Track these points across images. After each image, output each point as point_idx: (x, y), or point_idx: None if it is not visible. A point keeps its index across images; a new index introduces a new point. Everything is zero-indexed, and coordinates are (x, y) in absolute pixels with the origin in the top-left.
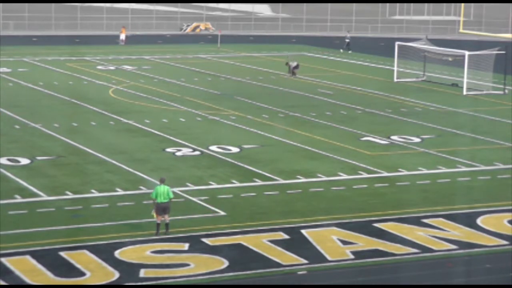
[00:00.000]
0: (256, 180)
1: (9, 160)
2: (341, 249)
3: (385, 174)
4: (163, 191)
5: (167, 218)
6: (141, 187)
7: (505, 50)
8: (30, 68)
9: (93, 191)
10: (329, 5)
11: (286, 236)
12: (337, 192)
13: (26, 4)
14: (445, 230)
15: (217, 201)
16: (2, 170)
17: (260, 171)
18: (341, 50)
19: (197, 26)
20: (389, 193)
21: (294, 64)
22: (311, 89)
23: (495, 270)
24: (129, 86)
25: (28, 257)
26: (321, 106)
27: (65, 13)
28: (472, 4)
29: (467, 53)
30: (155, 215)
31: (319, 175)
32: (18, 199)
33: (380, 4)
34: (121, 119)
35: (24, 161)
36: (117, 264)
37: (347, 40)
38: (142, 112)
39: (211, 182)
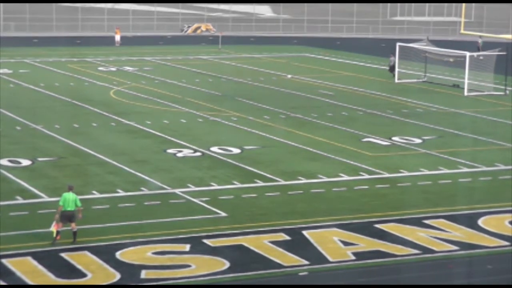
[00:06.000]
0: (257, 181)
1: (10, 161)
2: (342, 250)
3: (386, 175)
4: (71, 199)
5: (74, 226)
6: (142, 188)
7: (506, 51)
8: (31, 69)
9: (94, 192)
10: (330, 5)
11: (287, 237)
12: (338, 193)
13: (27, 5)
14: (446, 231)
15: (218, 202)
16: (3, 171)
17: (261, 172)
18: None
19: (198, 27)
20: (390, 194)
21: (393, 63)
22: (312, 90)
23: (496, 271)
24: (130, 87)
25: (29, 258)
26: (322, 107)
27: (66, 14)
28: (473, 5)
29: (468, 54)
30: (54, 228)
31: (320, 176)
32: (19, 200)
33: (381, 5)
34: (122, 120)
35: (25, 162)
36: (118, 265)
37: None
38: (143, 113)
39: (212, 183)
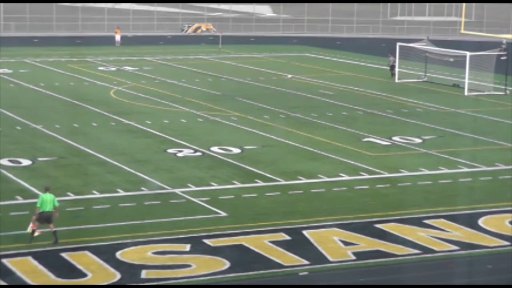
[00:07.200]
0: (257, 181)
1: (10, 161)
2: (343, 250)
3: (387, 175)
4: (48, 200)
5: (52, 227)
6: (143, 188)
7: (506, 51)
8: (31, 69)
9: (94, 192)
10: (330, 5)
11: (287, 237)
12: (339, 193)
13: (27, 5)
14: (446, 231)
15: (219, 202)
16: (3, 171)
17: (261, 172)
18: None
19: (198, 27)
20: (390, 194)
21: (392, 63)
22: (312, 90)
23: (496, 270)
24: (130, 87)
25: (29, 258)
26: (322, 107)
27: (66, 14)
28: (473, 5)
29: (468, 53)
30: (30, 226)
31: (320, 176)
32: (19, 200)
33: (381, 5)
34: (122, 120)
35: (26, 162)
36: (118, 265)
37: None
38: (143, 113)
39: (212, 183)
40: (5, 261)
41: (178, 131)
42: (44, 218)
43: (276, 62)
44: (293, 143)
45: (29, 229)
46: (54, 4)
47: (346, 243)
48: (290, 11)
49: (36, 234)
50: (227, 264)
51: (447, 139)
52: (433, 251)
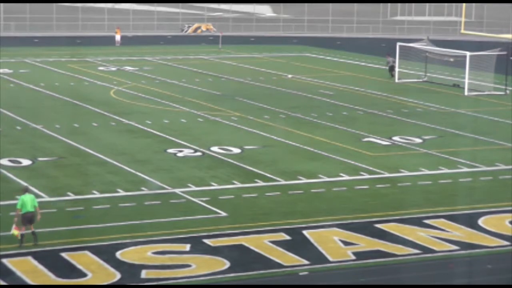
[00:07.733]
0: (258, 181)
1: (10, 161)
2: (343, 250)
3: (387, 174)
4: (29, 200)
5: (32, 228)
6: (143, 188)
7: (506, 51)
8: (31, 69)
9: (94, 192)
10: (330, 5)
11: (287, 237)
12: (339, 192)
13: (27, 5)
14: (446, 231)
15: (219, 202)
16: (3, 171)
17: (262, 172)
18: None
19: (198, 27)
20: (390, 193)
21: (391, 64)
22: (312, 90)
23: (496, 270)
24: (130, 87)
25: (29, 258)
26: (322, 106)
27: (67, 14)
28: (474, 5)
29: (468, 53)
30: (15, 231)
31: (321, 176)
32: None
33: (381, 5)
34: (122, 120)
35: (26, 162)
36: (118, 265)
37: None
38: (143, 113)
39: (212, 183)
40: (5, 261)
41: (178, 131)
42: (27, 219)
43: (276, 62)
44: (293, 143)
45: (12, 231)
46: (54, 4)
47: (346, 243)
48: (290, 11)
49: (15, 233)
50: (227, 264)
51: (447, 139)
52: (433, 251)
